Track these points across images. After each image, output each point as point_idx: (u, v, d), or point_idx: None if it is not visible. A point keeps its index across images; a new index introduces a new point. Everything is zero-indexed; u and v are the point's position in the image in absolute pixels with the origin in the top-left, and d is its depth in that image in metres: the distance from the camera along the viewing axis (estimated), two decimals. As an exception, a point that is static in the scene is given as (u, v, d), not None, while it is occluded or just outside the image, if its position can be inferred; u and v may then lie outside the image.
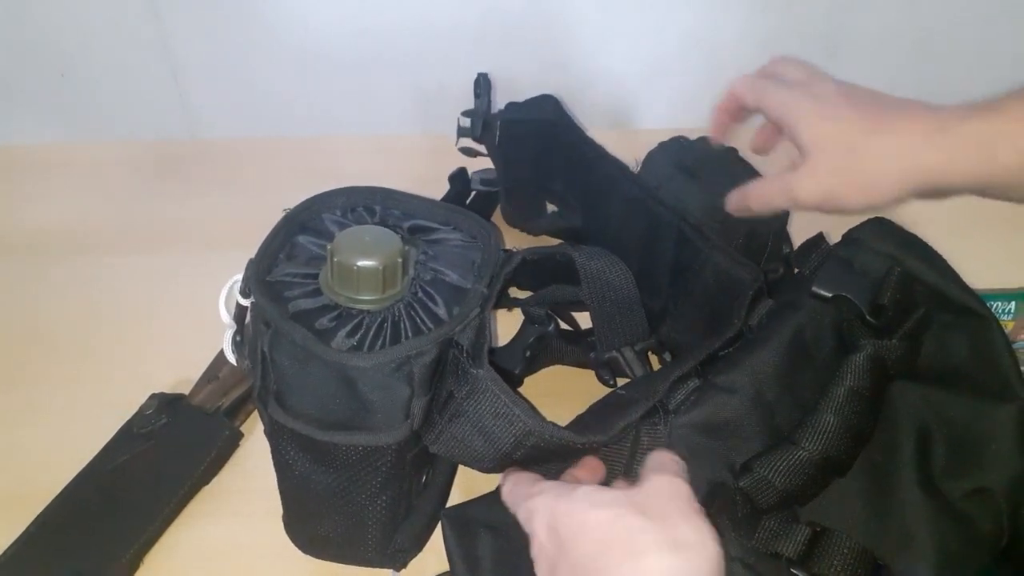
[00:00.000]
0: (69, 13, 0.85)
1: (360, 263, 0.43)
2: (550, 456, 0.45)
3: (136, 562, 0.52)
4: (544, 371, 0.64)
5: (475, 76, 0.73)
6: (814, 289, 0.47)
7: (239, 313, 0.48)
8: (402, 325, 0.43)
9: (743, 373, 0.45)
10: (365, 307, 0.44)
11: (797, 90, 0.51)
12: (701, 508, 0.36)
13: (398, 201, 0.51)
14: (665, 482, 0.37)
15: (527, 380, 0.62)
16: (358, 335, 0.43)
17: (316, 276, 0.45)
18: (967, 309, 0.46)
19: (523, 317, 0.62)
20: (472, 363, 0.43)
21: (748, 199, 0.54)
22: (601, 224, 0.66)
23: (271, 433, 0.46)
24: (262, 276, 0.45)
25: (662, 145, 0.67)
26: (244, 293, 0.46)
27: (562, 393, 0.62)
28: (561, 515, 0.37)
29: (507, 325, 0.63)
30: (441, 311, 0.45)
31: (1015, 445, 0.43)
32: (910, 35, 0.92)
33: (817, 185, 0.49)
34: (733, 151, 0.65)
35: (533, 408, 0.43)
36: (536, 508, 0.39)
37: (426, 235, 0.49)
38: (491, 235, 0.49)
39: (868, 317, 0.45)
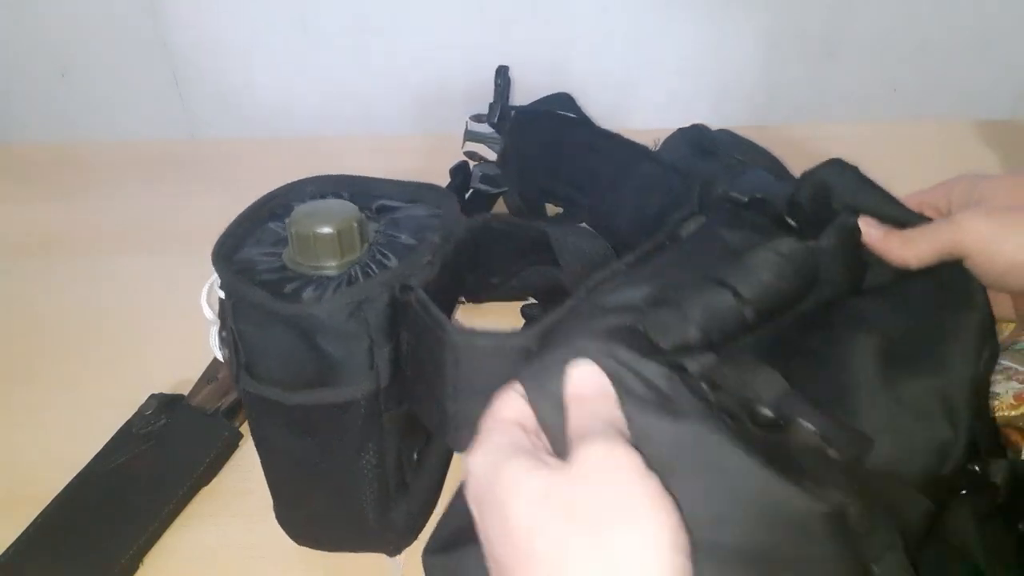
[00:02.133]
0: (69, 13, 0.85)
1: (316, 230, 0.44)
2: None
3: (136, 562, 0.52)
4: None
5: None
6: (731, 194, 0.45)
7: (223, 309, 0.49)
8: (358, 280, 0.44)
9: (655, 266, 0.42)
10: (326, 273, 0.44)
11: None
12: (651, 483, 0.29)
13: (368, 185, 0.52)
14: (598, 456, 0.29)
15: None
16: (316, 294, 0.43)
17: (280, 255, 0.47)
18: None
19: (523, 319, 0.62)
20: (410, 293, 0.43)
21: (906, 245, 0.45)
22: (613, 212, 0.66)
23: (248, 411, 0.47)
24: (228, 255, 0.46)
25: (681, 130, 0.68)
26: (222, 285, 0.47)
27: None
28: (484, 495, 0.31)
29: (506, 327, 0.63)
30: (394, 265, 0.45)
31: (974, 348, 0.41)
32: (910, 35, 0.92)
33: (988, 221, 0.43)
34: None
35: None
36: (471, 471, 0.32)
37: (393, 213, 0.50)
38: (452, 201, 0.50)
39: (785, 218, 0.43)
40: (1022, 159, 0.88)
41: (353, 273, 0.44)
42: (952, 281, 0.44)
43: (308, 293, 0.43)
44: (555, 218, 0.75)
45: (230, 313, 0.44)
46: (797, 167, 0.67)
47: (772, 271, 0.39)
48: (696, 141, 0.65)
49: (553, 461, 0.30)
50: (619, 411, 0.31)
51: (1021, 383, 0.57)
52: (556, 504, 0.28)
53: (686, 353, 0.35)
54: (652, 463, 0.29)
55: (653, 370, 0.33)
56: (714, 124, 0.73)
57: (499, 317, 0.66)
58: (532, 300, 0.65)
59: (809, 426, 0.31)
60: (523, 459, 0.30)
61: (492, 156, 0.76)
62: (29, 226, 0.80)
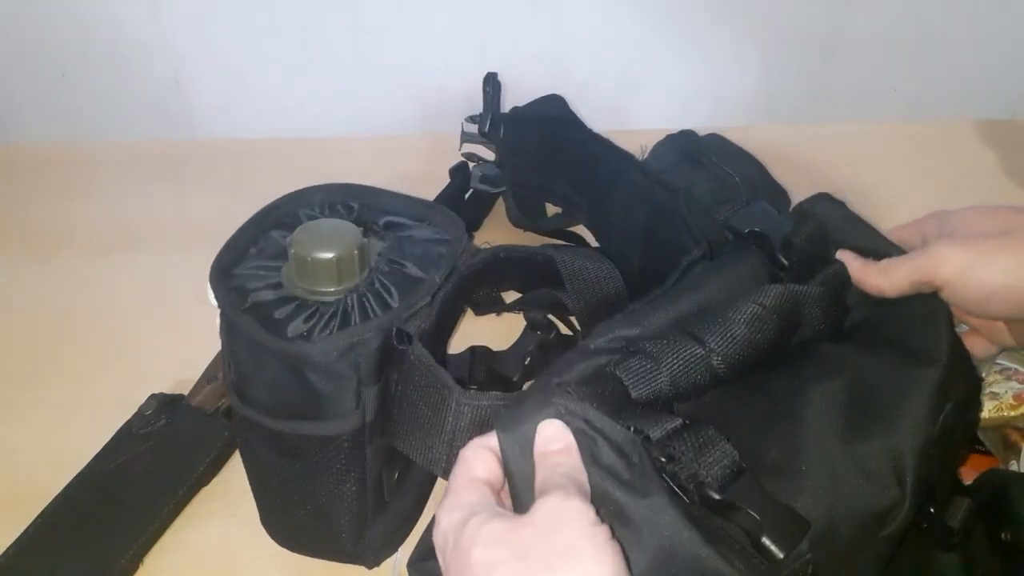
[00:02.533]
0: (69, 13, 0.85)
1: (315, 255, 0.43)
2: None
3: (136, 562, 0.52)
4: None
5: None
6: (730, 223, 0.46)
7: (220, 321, 0.49)
8: (353, 315, 0.44)
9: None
10: (322, 299, 0.44)
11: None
12: (599, 532, 0.33)
13: (377, 198, 0.51)
14: (554, 507, 0.33)
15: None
16: (309, 325, 0.43)
17: (280, 269, 0.46)
18: None
19: (524, 323, 0.62)
20: (408, 344, 0.43)
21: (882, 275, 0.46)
22: (606, 218, 0.66)
23: (236, 422, 0.47)
24: (226, 268, 0.45)
25: (670, 136, 0.68)
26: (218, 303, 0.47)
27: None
28: (450, 546, 0.34)
29: (509, 330, 0.63)
30: (394, 302, 0.44)
31: (930, 406, 0.42)
32: (910, 35, 0.92)
33: (962, 251, 0.43)
34: None
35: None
36: (439, 522, 0.36)
37: (399, 231, 0.49)
38: (460, 229, 0.49)
39: (779, 256, 0.44)
40: (1022, 159, 0.88)
41: (349, 303, 0.44)
42: (919, 330, 0.44)
43: (298, 324, 0.43)
44: (554, 219, 0.75)
45: (225, 332, 0.43)
46: (796, 168, 0.67)
47: (750, 326, 0.40)
48: (684, 148, 0.65)
49: (513, 516, 0.34)
50: (581, 465, 0.35)
51: (1021, 383, 0.57)
52: (513, 545, 0.32)
53: (655, 408, 0.38)
54: (604, 517, 0.33)
55: (620, 435, 0.35)
56: (714, 124, 0.73)
57: (502, 320, 0.66)
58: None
59: (751, 513, 0.34)
60: (487, 514, 0.34)
61: (490, 156, 0.77)
62: (29, 226, 0.80)
